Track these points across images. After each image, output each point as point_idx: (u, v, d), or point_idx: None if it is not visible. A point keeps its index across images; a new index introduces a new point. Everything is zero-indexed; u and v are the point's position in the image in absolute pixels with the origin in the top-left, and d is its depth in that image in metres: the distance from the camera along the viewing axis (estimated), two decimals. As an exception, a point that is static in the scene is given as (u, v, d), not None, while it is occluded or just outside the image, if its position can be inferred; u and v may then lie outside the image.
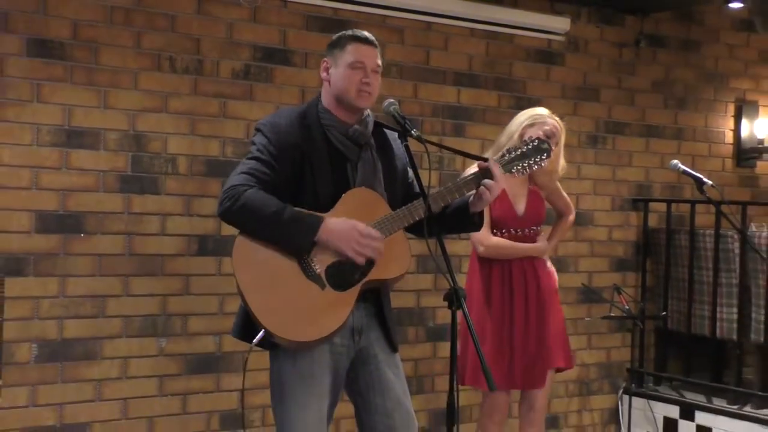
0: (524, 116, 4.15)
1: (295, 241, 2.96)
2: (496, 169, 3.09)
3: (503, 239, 4.14)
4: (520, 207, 4.19)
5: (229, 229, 3.18)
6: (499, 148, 3.99)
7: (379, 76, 3.13)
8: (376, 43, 3.15)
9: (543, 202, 4.30)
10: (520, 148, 3.21)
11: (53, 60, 4.19)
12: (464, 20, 5.26)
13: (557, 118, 4.16)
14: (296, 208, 2.97)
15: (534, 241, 4.21)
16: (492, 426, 4.24)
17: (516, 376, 4.15)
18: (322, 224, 2.95)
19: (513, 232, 4.16)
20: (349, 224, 2.97)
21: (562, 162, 4.23)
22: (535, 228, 4.21)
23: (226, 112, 4.61)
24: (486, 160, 3.18)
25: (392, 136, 3.26)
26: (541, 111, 4.18)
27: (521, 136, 4.00)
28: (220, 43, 4.59)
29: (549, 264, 4.33)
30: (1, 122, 4.10)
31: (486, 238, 4.10)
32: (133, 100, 4.38)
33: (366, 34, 3.15)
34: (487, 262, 4.17)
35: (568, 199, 4.50)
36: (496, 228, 4.14)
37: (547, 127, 4.06)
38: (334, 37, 3.17)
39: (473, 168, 3.46)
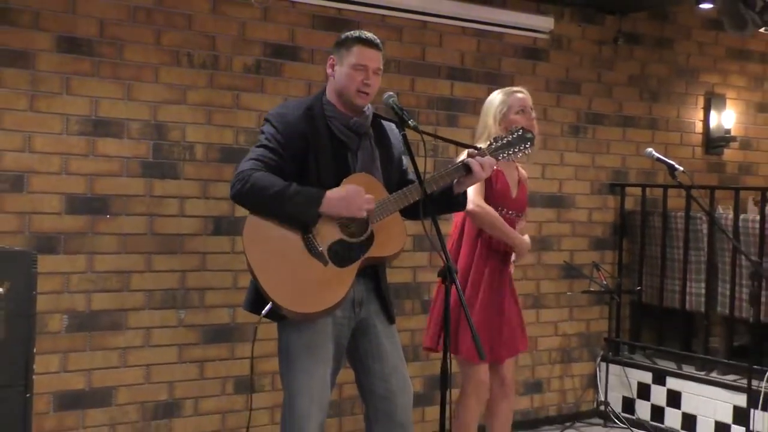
0: (497, 103, 3.97)
1: (301, 213, 2.96)
2: (475, 161, 3.10)
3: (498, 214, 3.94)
4: (514, 191, 4.11)
5: (242, 211, 3.19)
6: (479, 135, 3.97)
7: (379, 76, 3.12)
8: (380, 45, 3.12)
9: (526, 194, 4.22)
10: (506, 137, 3.22)
11: (81, 55, 4.18)
12: (457, 19, 5.24)
13: (521, 89, 4.01)
14: (300, 186, 2.97)
15: (514, 226, 4.03)
16: (476, 405, 4.02)
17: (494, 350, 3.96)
18: (324, 196, 2.95)
19: (505, 211, 4.03)
20: (345, 188, 2.98)
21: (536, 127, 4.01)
22: (520, 214, 4.13)
23: (239, 103, 4.61)
24: (477, 148, 3.20)
25: (389, 126, 3.26)
26: (506, 95, 3.98)
27: (503, 125, 3.88)
28: (233, 41, 4.58)
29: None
30: (34, 113, 4.10)
31: (480, 201, 3.89)
32: (155, 92, 4.37)
33: (371, 36, 3.12)
34: (471, 249, 4.00)
35: None
36: (493, 205, 3.94)
37: (520, 103, 3.95)
38: (342, 36, 3.15)
39: (464, 155, 3.46)
